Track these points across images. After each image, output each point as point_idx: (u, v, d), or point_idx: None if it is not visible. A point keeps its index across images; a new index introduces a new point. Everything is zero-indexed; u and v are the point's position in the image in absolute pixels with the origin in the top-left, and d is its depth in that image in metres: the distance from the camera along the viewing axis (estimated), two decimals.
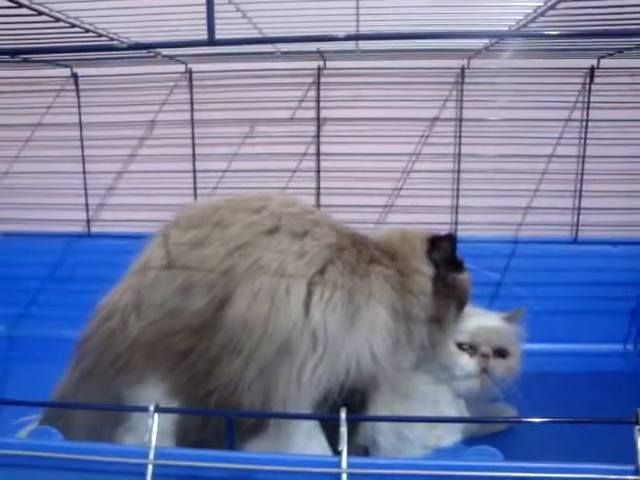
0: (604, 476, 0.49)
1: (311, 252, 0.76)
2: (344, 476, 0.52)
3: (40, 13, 0.77)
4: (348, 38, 0.47)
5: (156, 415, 0.56)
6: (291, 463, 0.53)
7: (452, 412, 0.93)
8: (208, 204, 0.83)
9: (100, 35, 0.93)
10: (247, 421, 0.70)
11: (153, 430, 0.56)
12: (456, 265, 0.89)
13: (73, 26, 0.86)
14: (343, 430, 0.54)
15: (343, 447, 0.53)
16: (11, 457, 0.56)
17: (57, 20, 0.81)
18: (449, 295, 0.88)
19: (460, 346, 0.92)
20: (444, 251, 0.87)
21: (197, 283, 0.74)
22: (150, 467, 0.55)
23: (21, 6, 0.73)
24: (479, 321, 0.94)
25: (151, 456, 0.55)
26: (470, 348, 0.91)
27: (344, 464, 0.52)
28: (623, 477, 0.50)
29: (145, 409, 0.57)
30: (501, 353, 0.91)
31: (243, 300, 0.72)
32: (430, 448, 0.92)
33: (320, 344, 0.73)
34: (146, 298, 0.75)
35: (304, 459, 0.54)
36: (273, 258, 0.74)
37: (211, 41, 0.48)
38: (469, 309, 0.95)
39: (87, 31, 0.90)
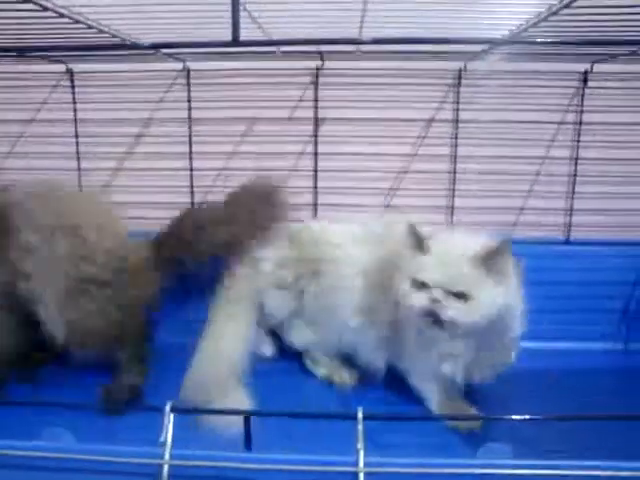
0: (619, 473, 0.50)
1: None
2: (361, 475, 0.52)
3: (45, 9, 0.76)
4: (375, 42, 0.48)
5: (172, 415, 0.56)
6: (308, 463, 0.53)
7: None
8: None
9: (101, 32, 0.92)
10: None
11: (169, 430, 0.55)
12: None
13: (77, 22, 0.85)
14: (359, 428, 0.54)
15: (360, 446, 0.53)
16: (23, 459, 0.55)
17: (61, 16, 0.80)
18: None
19: (416, 283, 0.87)
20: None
21: None
22: (166, 467, 0.54)
23: (27, 1, 0.72)
24: (443, 259, 0.87)
25: (166, 456, 0.55)
26: (423, 286, 0.86)
27: (361, 463, 0.53)
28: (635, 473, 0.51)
29: (159, 409, 0.56)
30: (459, 296, 0.84)
31: None
32: None
33: None
34: None
35: (321, 459, 0.54)
36: None
37: (236, 41, 0.48)
38: (451, 238, 0.91)
39: (89, 27, 0.89)
